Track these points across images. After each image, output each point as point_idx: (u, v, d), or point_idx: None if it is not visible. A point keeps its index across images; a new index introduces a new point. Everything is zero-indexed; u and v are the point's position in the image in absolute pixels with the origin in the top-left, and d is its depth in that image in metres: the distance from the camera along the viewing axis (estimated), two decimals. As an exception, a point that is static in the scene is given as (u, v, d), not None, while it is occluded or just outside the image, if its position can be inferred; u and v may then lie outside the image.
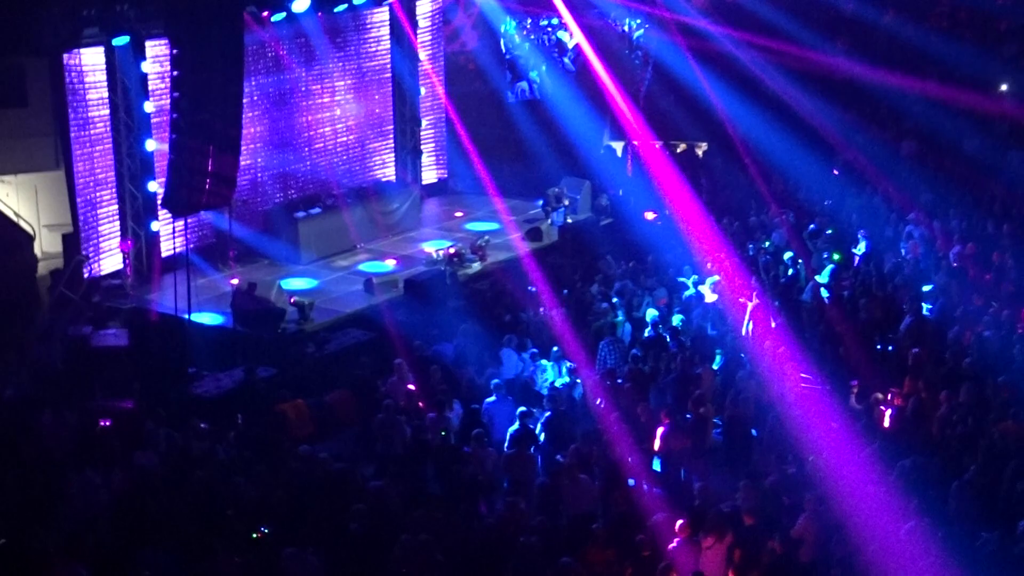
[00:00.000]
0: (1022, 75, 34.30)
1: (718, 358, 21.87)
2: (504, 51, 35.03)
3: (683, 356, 21.37)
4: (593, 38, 34.15)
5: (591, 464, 17.71)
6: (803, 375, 20.67)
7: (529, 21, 34.65)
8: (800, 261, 26.41)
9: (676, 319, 23.68)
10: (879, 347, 22.59)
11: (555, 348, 22.05)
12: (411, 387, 20.75)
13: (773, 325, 22.79)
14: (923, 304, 23.75)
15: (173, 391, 21.67)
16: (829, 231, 28.23)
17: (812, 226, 28.43)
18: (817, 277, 25.45)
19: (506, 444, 18.53)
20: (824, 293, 24.70)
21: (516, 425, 18.60)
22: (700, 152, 35.70)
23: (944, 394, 19.21)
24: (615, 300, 24.65)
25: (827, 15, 35.31)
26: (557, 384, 20.95)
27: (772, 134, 31.82)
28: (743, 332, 23.00)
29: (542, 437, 18.81)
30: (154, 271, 27.25)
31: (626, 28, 34.34)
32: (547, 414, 19.27)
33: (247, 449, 18.62)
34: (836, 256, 26.44)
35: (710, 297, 24.70)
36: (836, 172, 32.13)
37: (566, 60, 34.73)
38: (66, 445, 18.79)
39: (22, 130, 27.28)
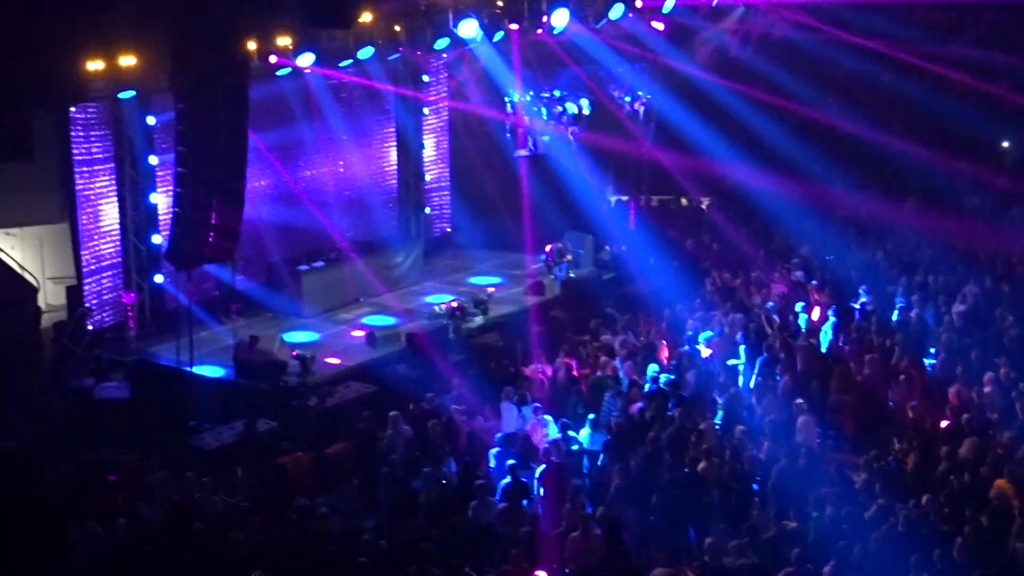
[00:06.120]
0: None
1: (720, 413, 21.78)
2: (508, 117, 35.39)
3: (682, 411, 21.23)
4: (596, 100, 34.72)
5: (591, 518, 17.64)
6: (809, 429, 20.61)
7: (531, 93, 35.05)
8: (804, 315, 26.38)
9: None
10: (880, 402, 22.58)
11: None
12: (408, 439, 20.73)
13: (779, 379, 22.78)
14: (924, 360, 23.79)
15: (174, 443, 21.67)
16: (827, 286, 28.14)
17: (814, 281, 28.35)
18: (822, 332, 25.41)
19: (497, 497, 18.53)
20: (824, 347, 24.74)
21: (507, 479, 18.64)
22: (704, 207, 35.88)
23: (945, 450, 19.14)
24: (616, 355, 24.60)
25: (827, 73, 35.45)
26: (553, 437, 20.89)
27: (774, 189, 31.88)
28: (750, 385, 23.01)
29: (541, 491, 18.81)
30: (157, 324, 27.35)
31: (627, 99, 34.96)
32: (542, 467, 19.17)
33: (247, 501, 18.61)
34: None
35: (705, 352, 24.59)
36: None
37: (570, 130, 35.07)
38: (66, 496, 18.82)
39: (28, 183, 27.41)
